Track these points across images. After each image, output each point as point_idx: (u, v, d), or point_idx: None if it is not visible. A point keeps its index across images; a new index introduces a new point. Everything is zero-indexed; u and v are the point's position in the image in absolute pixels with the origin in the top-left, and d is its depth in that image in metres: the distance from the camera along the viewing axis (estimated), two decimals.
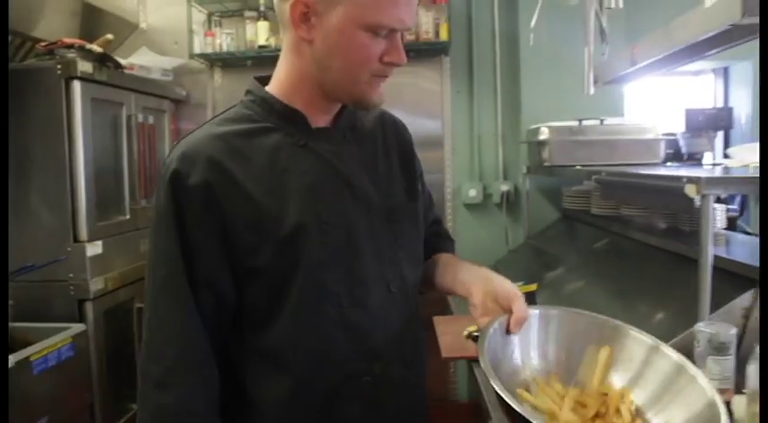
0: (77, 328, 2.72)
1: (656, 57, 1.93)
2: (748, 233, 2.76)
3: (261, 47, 3.65)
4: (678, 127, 3.93)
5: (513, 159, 3.85)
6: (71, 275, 2.86)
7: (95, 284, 2.90)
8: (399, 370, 1.25)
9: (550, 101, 3.56)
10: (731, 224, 3.17)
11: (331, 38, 1.11)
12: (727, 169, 2.23)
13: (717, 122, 3.96)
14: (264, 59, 3.71)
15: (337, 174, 1.20)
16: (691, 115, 4.03)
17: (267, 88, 1.23)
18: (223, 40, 3.73)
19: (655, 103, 4.20)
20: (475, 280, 1.26)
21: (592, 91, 2.33)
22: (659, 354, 1.18)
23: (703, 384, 1.08)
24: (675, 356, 1.16)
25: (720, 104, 4.15)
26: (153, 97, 3.51)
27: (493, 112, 3.87)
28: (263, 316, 1.17)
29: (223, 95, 3.94)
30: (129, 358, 3.09)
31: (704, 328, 1.45)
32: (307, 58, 1.16)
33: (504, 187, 3.82)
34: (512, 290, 1.22)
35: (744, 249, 2.13)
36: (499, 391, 0.98)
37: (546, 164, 3.14)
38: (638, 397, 1.16)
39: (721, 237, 2.27)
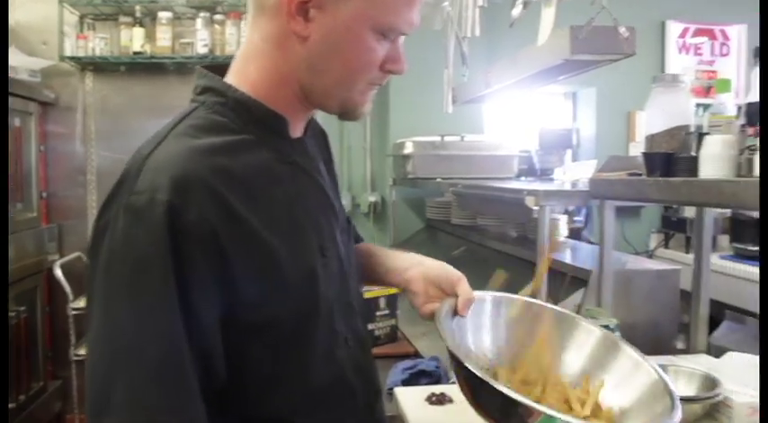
0: None
1: (506, 82, 2.16)
2: (591, 242, 3.05)
3: (136, 53, 3.64)
4: (533, 145, 4.27)
5: (381, 171, 4.05)
6: None
7: None
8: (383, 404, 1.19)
9: (417, 117, 3.78)
10: (577, 234, 3.51)
11: (333, 36, 0.94)
12: (561, 184, 2.50)
13: (566, 141, 4.34)
14: (138, 66, 3.71)
15: (324, 194, 1.06)
16: (543, 134, 4.39)
17: (233, 85, 0.99)
18: (96, 44, 3.67)
19: (513, 122, 4.52)
20: (410, 267, 1.19)
21: (450, 109, 2.55)
22: (607, 342, 1.17)
23: (648, 366, 1.10)
24: (623, 345, 1.16)
25: (569, 125, 4.54)
26: (19, 99, 3.41)
27: (362, 125, 4.05)
28: (262, 381, 0.94)
29: (94, 100, 3.86)
30: None
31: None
32: (295, 57, 0.96)
33: (372, 198, 4.02)
34: (453, 272, 1.17)
35: (581, 255, 2.40)
36: (477, 372, 0.94)
37: (410, 176, 3.35)
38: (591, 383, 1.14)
39: (563, 244, 2.54)
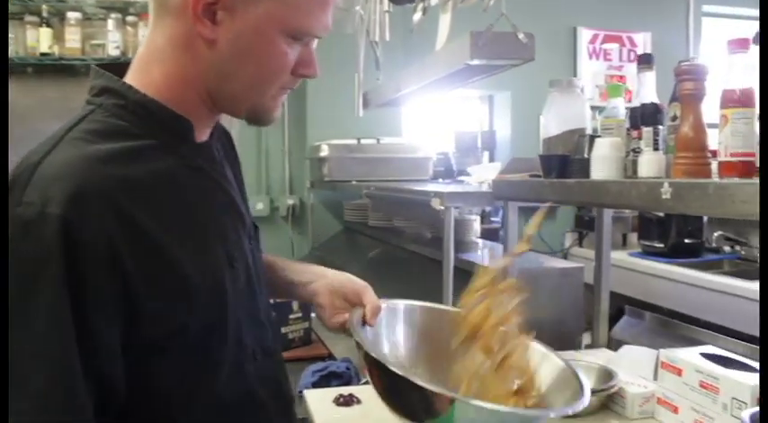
0: None
1: (415, 86, 2.19)
2: None
3: (43, 54, 3.53)
4: (450, 147, 4.34)
5: (299, 174, 4.04)
6: None
7: None
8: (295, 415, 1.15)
9: (335, 120, 3.78)
10: (494, 235, 3.58)
11: (243, 40, 0.89)
12: (466, 185, 2.56)
13: (482, 143, 4.43)
14: (47, 68, 3.59)
15: (231, 201, 1.01)
16: (460, 137, 4.48)
17: (134, 86, 0.92)
18: None
19: (432, 126, 4.58)
20: (314, 280, 1.19)
21: (361, 113, 2.57)
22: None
23: (554, 357, 1.13)
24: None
25: (486, 128, 4.63)
26: None
27: (280, 128, 4.02)
28: (168, 398, 0.89)
29: None
30: None
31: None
32: (201, 61, 0.91)
33: (291, 201, 3.99)
34: (358, 282, 1.17)
35: (491, 254, 2.46)
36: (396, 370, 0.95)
37: (326, 179, 3.37)
38: None
39: (475, 244, 2.60)
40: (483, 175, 2.25)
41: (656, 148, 1.31)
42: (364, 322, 1.12)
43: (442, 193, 1.79)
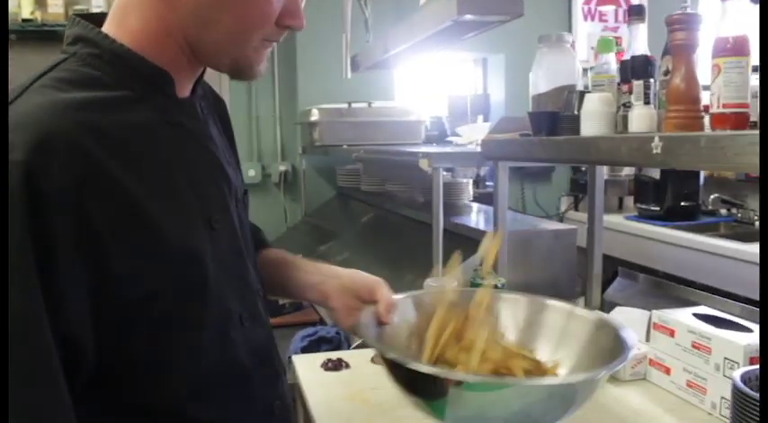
0: None
1: (403, 46, 2.14)
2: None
3: (25, 20, 3.45)
4: (443, 111, 4.30)
5: (291, 140, 3.99)
6: None
7: None
8: (285, 384, 1.09)
9: (326, 84, 3.72)
10: (488, 199, 3.55)
11: None
12: (455, 146, 2.52)
13: (476, 107, 4.38)
14: (29, 35, 3.51)
15: (215, 160, 0.96)
16: (453, 101, 4.43)
17: (110, 35, 0.87)
18: None
19: (425, 90, 4.53)
20: (327, 281, 1.14)
21: (349, 75, 2.52)
22: (547, 308, 1.14)
23: (582, 313, 1.10)
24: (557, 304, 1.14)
25: (481, 92, 4.57)
26: None
27: (270, 93, 3.97)
28: (146, 366, 0.85)
29: None
30: None
31: (432, 283, 1.66)
32: (181, 9, 0.86)
33: (283, 167, 3.95)
34: (370, 279, 1.12)
35: (483, 218, 2.43)
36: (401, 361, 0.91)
37: (317, 144, 3.32)
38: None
39: (468, 208, 2.56)
40: (472, 135, 2.21)
41: (646, 102, 1.26)
42: (380, 323, 1.06)
43: (429, 153, 1.75)
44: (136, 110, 0.84)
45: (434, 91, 4.54)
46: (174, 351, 0.86)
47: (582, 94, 1.44)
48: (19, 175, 0.70)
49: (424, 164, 1.74)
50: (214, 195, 0.93)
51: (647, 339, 1.53)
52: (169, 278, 0.83)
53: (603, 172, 1.94)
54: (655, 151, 1.10)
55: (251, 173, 3.91)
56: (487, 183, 3.88)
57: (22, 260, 0.70)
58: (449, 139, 3.31)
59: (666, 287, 2.70)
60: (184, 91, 0.93)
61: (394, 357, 0.92)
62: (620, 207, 3.70)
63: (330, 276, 1.15)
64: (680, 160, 1.05)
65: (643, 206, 3.33)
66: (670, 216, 3.15)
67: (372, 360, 1.59)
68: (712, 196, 3.33)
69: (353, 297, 1.11)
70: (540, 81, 1.62)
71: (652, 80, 1.26)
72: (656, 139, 1.09)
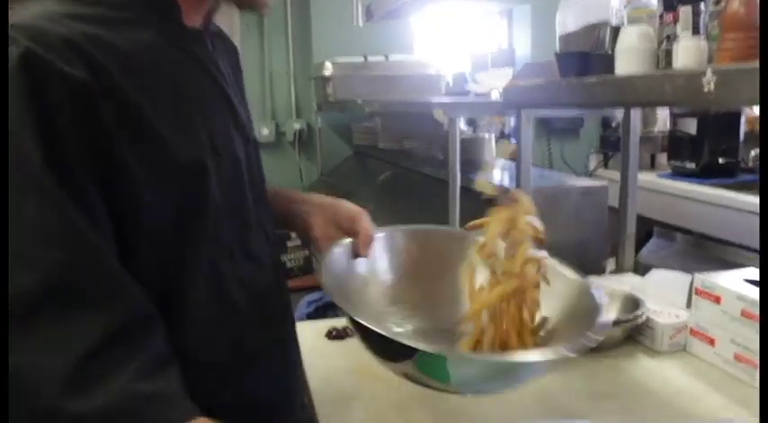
0: None
1: None
2: (534, 165, 2.93)
3: None
4: (467, 67, 4.10)
5: (306, 97, 3.85)
6: None
7: None
8: (291, 330, 1.07)
9: (341, 37, 3.56)
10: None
11: None
12: (474, 96, 2.36)
13: (500, 61, 4.17)
14: None
15: (221, 90, 0.92)
16: (477, 58, 4.23)
17: None
18: None
19: (448, 46, 4.34)
20: (313, 211, 1.09)
21: (361, 23, 2.37)
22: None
23: (566, 273, 1.05)
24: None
25: (506, 46, 4.37)
26: None
27: (284, 49, 3.81)
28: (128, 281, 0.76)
29: None
30: None
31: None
32: None
33: (297, 125, 3.81)
34: (353, 209, 1.08)
35: (507, 175, 2.27)
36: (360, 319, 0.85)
37: (330, 99, 3.18)
38: None
39: (489, 165, 2.41)
40: (492, 82, 2.03)
41: (695, 32, 1.08)
42: (357, 254, 1.03)
43: (444, 103, 1.58)
44: (139, 31, 0.79)
45: (457, 46, 4.35)
46: (168, 279, 0.81)
47: (616, 31, 1.26)
48: (17, 59, 0.67)
49: (438, 114, 1.58)
50: (219, 124, 0.89)
51: (688, 306, 1.37)
52: (172, 193, 0.79)
53: (638, 125, 1.76)
54: (706, 88, 0.92)
55: (265, 132, 3.77)
56: (512, 140, 3.72)
57: (18, 126, 0.67)
58: (467, 88, 3.14)
59: (708, 247, 2.51)
60: (193, 22, 0.88)
61: (350, 312, 0.86)
62: (653, 165, 3.51)
63: (316, 206, 1.11)
64: (739, 96, 0.88)
65: (677, 163, 3.14)
66: (706, 173, 2.96)
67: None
68: (752, 152, 3.12)
69: (334, 226, 1.08)
70: (569, 19, 1.45)
71: (702, 4, 1.08)
72: (709, 72, 0.91)
